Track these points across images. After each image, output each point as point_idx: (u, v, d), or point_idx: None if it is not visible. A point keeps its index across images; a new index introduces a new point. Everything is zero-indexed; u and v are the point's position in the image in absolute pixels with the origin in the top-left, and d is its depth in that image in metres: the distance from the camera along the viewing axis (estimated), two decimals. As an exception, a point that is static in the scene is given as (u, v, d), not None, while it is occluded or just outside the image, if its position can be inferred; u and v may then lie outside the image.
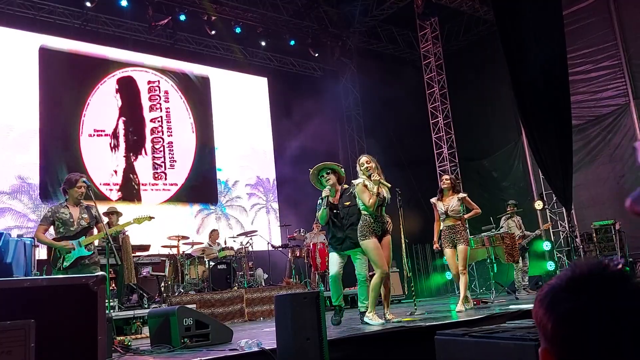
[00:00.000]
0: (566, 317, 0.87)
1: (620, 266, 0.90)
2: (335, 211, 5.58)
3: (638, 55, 10.87)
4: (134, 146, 11.17)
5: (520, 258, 8.57)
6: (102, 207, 7.76)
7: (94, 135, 10.66)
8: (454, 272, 6.54)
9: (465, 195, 6.70)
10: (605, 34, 11.23)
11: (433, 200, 6.69)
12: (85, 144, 10.52)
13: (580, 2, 11.45)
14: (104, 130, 10.81)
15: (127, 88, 11.31)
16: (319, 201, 5.61)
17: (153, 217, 5.93)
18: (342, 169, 5.83)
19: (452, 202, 6.51)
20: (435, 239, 6.61)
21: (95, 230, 5.32)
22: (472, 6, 12.32)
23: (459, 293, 6.56)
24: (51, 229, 5.20)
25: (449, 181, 6.66)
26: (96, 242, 5.46)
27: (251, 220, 12.31)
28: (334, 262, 5.62)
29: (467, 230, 6.80)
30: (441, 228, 6.56)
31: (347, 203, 5.54)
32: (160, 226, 10.95)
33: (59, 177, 9.98)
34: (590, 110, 11.42)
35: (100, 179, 10.54)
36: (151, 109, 11.54)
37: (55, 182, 9.86)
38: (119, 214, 7.98)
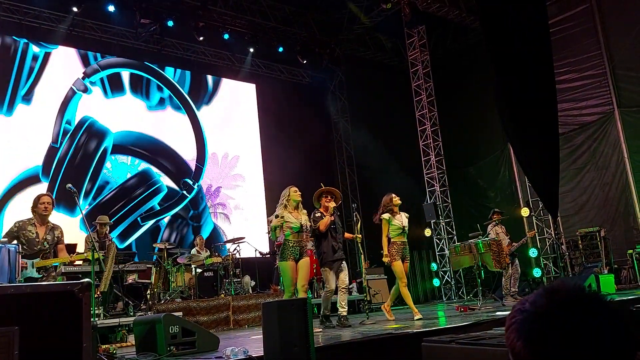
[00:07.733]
0: (534, 339, 0.90)
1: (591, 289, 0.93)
2: (332, 226, 6.25)
3: (622, 65, 11.01)
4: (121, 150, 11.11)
5: (510, 264, 8.59)
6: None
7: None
8: (404, 282, 6.55)
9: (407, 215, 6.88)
10: (590, 43, 11.37)
11: (387, 216, 6.65)
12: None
13: (565, 12, 11.59)
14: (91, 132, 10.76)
15: (114, 90, 11.25)
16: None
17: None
18: (341, 196, 6.55)
19: (404, 219, 6.69)
20: (386, 252, 6.62)
21: (52, 255, 5.24)
22: (459, 15, 12.43)
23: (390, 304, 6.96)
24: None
25: (398, 200, 6.75)
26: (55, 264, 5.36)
27: (238, 227, 12.27)
28: (332, 278, 6.15)
29: None
30: (395, 242, 6.59)
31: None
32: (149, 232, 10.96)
33: (54, 183, 9.92)
34: (575, 119, 11.54)
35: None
36: (140, 112, 11.49)
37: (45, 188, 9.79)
38: (107, 224, 7.88)
